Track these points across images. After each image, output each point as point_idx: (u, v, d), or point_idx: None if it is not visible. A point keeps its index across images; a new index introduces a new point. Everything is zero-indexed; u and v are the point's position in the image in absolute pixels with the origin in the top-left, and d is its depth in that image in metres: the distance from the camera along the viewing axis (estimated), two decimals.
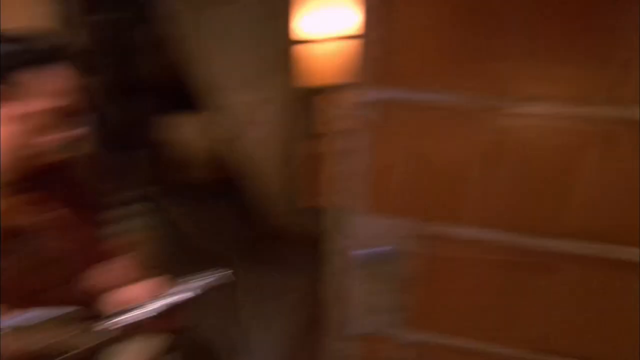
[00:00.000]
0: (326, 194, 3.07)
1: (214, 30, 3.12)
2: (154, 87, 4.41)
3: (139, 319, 0.81)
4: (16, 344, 0.67)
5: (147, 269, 1.16)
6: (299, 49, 2.97)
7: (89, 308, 1.02)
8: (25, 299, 0.94)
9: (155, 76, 4.42)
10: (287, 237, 3.33)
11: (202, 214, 3.68)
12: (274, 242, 3.31)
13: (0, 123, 0.92)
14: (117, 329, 0.82)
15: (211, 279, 0.91)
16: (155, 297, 0.93)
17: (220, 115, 3.29)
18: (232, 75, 3.15)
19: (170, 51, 4.41)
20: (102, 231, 1.24)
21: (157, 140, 4.30)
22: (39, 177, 1.06)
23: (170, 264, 2.67)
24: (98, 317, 0.98)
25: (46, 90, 0.94)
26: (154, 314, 0.84)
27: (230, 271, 0.91)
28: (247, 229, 3.46)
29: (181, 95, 4.55)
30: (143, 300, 0.94)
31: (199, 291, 0.92)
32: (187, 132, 4.25)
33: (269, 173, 3.25)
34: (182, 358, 1.13)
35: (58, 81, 0.96)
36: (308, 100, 3.10)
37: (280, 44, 2.98)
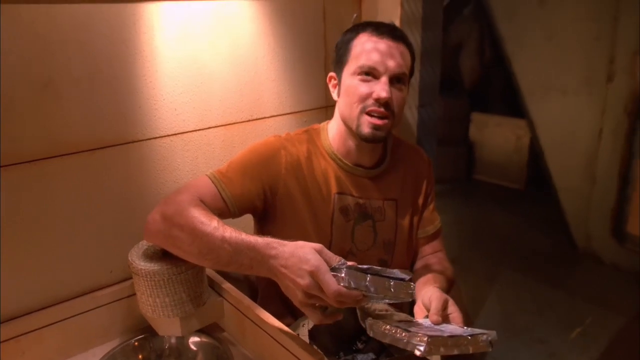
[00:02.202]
0: None
1: (536, 31, 2.95)
2: (468, 86, 4.52)
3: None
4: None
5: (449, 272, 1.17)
6: None
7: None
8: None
9: (470, 75, 4.51)
10: (597, 264, 2.92)
11: (501, 219, 3.59)
12: (578, 266, 2.95)
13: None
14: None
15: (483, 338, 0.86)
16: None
17: (537, 121, 3.10)
18: (553, 80, 2.92)
19: (489, 50, 4.42)
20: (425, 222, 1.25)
21: (467, 139, 4.39)
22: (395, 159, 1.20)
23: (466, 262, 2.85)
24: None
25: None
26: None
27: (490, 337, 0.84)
28: (548, 245, 3.19)
29: (495, 96, 4.53)
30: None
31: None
32: (497, 135, 4.19)
33: (585, 189, 2.89)
34: None
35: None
36: None
37: (616, 45, 2.57)
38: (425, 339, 0.77)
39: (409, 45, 1.07)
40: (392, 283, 0.77)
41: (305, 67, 1.36)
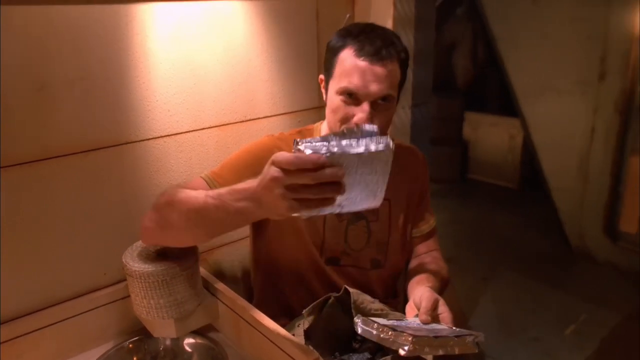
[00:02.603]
0: None
1: (529, 31, 2.96)
2: (462, 86, 4.54)
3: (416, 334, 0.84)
4: None
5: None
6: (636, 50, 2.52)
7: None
8: (334, 256, 1.11)
9: (464, 75, 4.53)
10: (592, 263, 2.94)
11: (496, 218, 3.60)
12: (572, 265, 2.97)
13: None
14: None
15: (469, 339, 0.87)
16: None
17: (530, 121, 3.11)
18: (546, 79, 2.94)
19: (482, 50, 4.43)
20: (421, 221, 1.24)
21: (461, 138, 4.40)
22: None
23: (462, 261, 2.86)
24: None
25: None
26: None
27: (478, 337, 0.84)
28: (542, 244, 3.21)
29: (488, 96, 4.55)
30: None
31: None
32: (491, 135, 4.21)
33: (578, 188, 2.91)
34: None
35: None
36: None
37: (609, 44, 2.59)
38: (410, 339, 0.77)
39: (399, 57, 1.00)
40: (362, 141, 0.67)
41: (298, 67, 1.36)
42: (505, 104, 3.74)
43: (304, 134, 1.15)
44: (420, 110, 1.57)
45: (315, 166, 0.64)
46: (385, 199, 1.15)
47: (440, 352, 0.80)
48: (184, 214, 0.83)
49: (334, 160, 0.65)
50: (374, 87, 0.97)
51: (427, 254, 1.23)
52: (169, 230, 0.88)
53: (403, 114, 1.54)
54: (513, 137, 4.06)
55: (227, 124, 1.25)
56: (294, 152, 0.66)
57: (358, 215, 1.12)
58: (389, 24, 1.39)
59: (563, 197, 3.03)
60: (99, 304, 1.05)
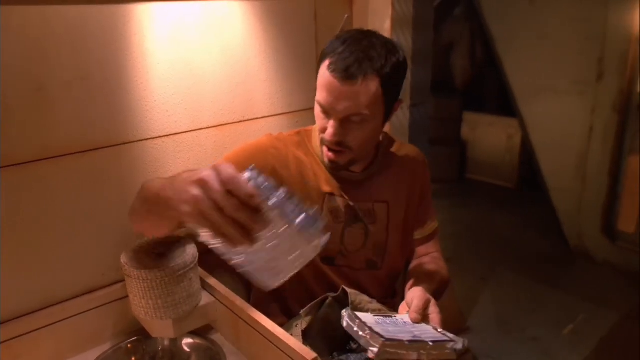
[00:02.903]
0: None
1: (528, 31, 2.97)
2: (460, 86, 4.54)
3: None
4: None
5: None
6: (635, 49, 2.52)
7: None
8: (331, 257, 1.12)
9: (462, 75, 4.53)
10: (590, 262, 2.94)
11: (494, 218, 3.60)
12: (570, 265, 2.98)
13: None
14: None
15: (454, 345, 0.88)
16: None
17: (529, 121, 3.12)
18: (544, 79, 2.94)
19: (480, 50, 4.44)
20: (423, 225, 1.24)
21: (459, 138, 4.41)
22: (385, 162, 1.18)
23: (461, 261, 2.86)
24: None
25: None
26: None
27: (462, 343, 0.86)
28: (540, 243, 3.21)
29: (487, 96, 4.55)
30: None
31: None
32: (490, 135, 4.21)
33: (576, 188, 2.91)
34: None
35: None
36: None
37: (607, 44, 2.60)
38: (381, 341, 0.78)
39: (378, 73, 0.95)
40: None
41: (296, 67, 1.37)
42: (503, 104, 3.75)
43: (303, 134, 1.15)
44: (419, 111, 1.58)
45: (244, 198, 0.59)
46: (383, 201, 1.17)
47: (414, 357, 0.80)
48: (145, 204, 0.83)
49: (265, 210, 0.60)
50: (340, 106, 0.96)
51: (427, 255, 1.23)
52: (143, 219, 0.86)
53: (401, 114, 1.54)
54: (511, 137, 4.07)
55: (226, 124, 1.25)
56: (246, 173, 0.62)
57: (356, 218, 1.12)
58: (387, 25, 1.39)
59: (561, 196, 3.04)
60: (97, 304, 1.05)
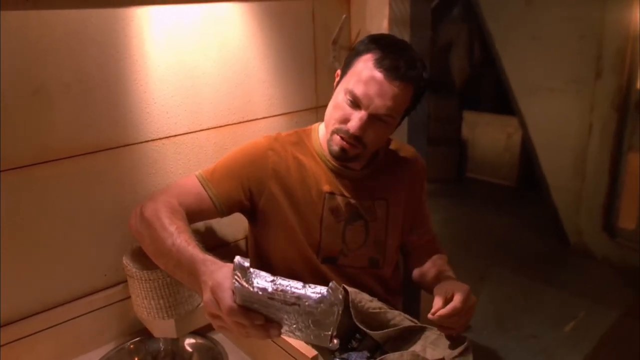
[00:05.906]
0: None
1: (525, 31, 2.97)
2: (459, 85, 4.54)
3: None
4: None
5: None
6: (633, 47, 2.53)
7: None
8: (330, 255, 1.12)
9: (460, 75, 4.54)
10: (590, 259, 2.95)
11: (494, 217, 3.61)
12: (570, 262, 2.98)
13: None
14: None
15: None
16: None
17: (528, 120, 3.12)
18: (543, 78, 2.95)
19: (478, 50, 4.44)
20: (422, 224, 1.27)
21: (458, 138, 4.41)
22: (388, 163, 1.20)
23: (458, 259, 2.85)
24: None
25: None
26: None
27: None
28: (540, 241, 3.21)
29: (485, 95, 4.55)
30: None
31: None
32: (489, 134, 4.22)
33: (576, 185, 2.92)
34: None
35: None
36: None
37: (605, 42, 2.60)
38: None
39: (416, 83, 1.00)
40: (307, 303, 0.63)
41: (295, 68, 1.37)
42: (502, 103, 3.75)
43: (301, 134, 1.15)
44: (417, 111, 1.58)
45: (249, 323, 0.67)
46: (382, 199, 1.18)
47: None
48: (152, 246, 0.87)
49: (275, 309, 0.65)
50: (377, 101, 0.97)
51: (422, 242, 1.26)
52: (142, 245, 0.92)
53: None
54: (510, 135, 4.07)
55: (225, 126, 1.26)
56: (236, 281, 0.65)
57: (356, 215, 1.13)
58: (384, 25, 1.40)
59: (561, 194, 3.04)
60: (97, 305, 1.06)
